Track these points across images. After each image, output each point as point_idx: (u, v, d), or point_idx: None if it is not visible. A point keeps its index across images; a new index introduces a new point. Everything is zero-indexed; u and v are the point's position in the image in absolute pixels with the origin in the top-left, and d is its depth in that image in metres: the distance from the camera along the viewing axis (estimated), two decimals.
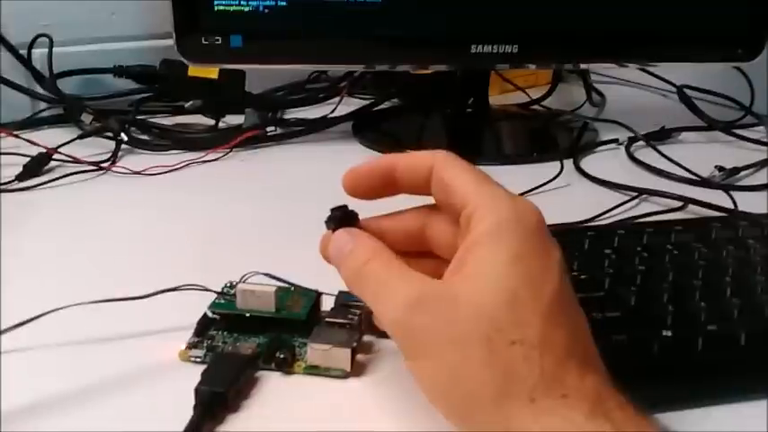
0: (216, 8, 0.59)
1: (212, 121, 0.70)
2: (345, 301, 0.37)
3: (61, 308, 0.34)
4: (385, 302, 0.29)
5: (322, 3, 0.60)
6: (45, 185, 0.56)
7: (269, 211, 0.53)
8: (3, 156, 0.59)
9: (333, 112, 0.72)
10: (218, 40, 0.59)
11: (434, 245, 0.32)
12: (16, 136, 0.59)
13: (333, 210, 0.33)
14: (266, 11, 0.59)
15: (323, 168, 0.62)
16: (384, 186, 0.32)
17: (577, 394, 0.25)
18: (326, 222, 0.33)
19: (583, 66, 0.75)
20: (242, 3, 0.59)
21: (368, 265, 0.30)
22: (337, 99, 0.74)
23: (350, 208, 0.33)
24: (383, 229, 0.32)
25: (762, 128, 0.74)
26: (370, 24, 0.62)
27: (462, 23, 0.63)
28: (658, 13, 0.65)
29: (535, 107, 0.80)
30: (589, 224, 0.51)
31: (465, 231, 0.29)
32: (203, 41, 0.59)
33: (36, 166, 0.57)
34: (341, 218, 0.32)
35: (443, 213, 0.32)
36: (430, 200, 0.32)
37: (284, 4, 0.59)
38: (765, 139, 0.70)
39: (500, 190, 0.30)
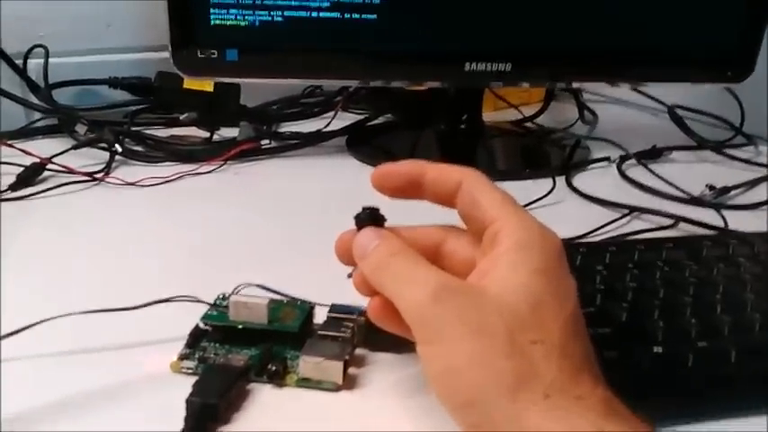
0: (212, 22, 0.59)
1: (207, 134, 0.70)
2: (338, 314, 0.37)
3: (53, 317, 0.34)
4: (410, 287, 0.29)
5: (318, 18, 0.60)
6: (39, 195, 0.56)
7: (262, 223, 0.53)
8: None
9: (327, 126, 0.73)
10: (213, 53, 0.60)
11: (450, 261, 0.33)
12: (10, 146, 0.59)
13: (364, 208, 0.33)
14: (262, 25, 0.60)
15: (317, 182, 0.63)
16: (410, 189, 0.33)
17: (592, 398, 0.26)
18: (356, 218, 0.33)
19: (575, 84, 0.76)
20: (238, 17, 0.59)
21: (394, 257, 0.31)
22: (332, 113, 0.75)
23: (380, 213, 0.33)
24: (406, 236, 0.33)
25: (751, 147, 0.75)
26: (366, 40, 0.62)
27: (456, 41, 0.64)
28: (650, 33, 0.66)
29: (528, 124, 0.80)
30: (581, 240, 0.51)
31: (489, 247, 0.30)
32: (199, 55, 0.59)
33: (30, 176, 0.57)
34: (370, 217, 0.33)
35: (463, 231, 0.33)
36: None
37: (280, 19, 0.60)
38: (755, 159, 0.70)
39: (527, 213, 0.31)
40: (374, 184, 0.34)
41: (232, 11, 0.59)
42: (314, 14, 0.60)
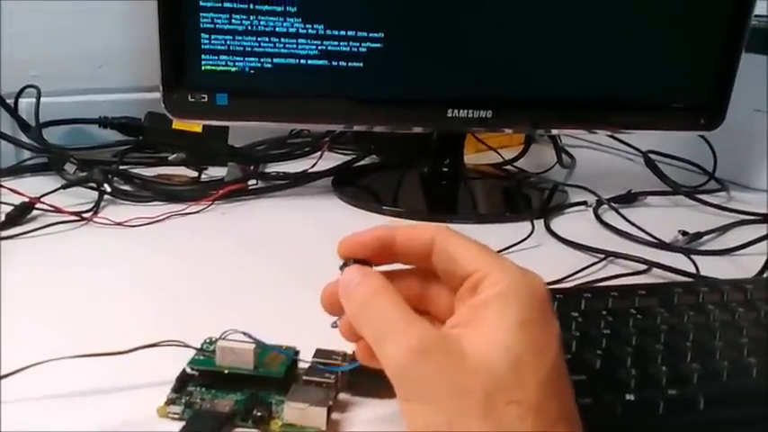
0: (203, 68, 0.61)
1: (194, 173, 0.71)
2: (323, 359, 0.38)
3: (41, 362, 0.35)
4: (389, 343, 0.29)
5: (306, 65, 0.62)
6: (27, 235, 0.56)
7: (249, 265, 0.54)
8: None
9: (313, 166, 0.75)
10: (203, 97, 0.61)
11: (434, 306, 0.34)
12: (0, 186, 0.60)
13: (347, 260, 0.34)
14: (252, 71, 0.62)
15: (303, 223, 0.64)
16: (381, 256, 0.34)
17: None
18: (342, 268, 0.33)
19: (554, 131, 0.78)
20: (229, 63, 0.61)
21: (375, 300, 0.31)
22: (318, 153, 0.77)
23: (367, 261, 0.34)
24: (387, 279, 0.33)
25: (724, 193, 0.77)
26: (352, 87, 0.64)
27: (440, 89, 0.66)
28: (627, 83, 0.69)
29: (508, 167, 0.83)
30: (558, 285, 0.52)
31: (469, 296, 0.30)
32: (189, 99, 0.61)
33: (19, 216, 0.58)
34: (354, 261, 0.33)
35: (443, 283, 0.33)
36: None
37: (270, 65, 0.62)
38: (727, 204, 0.73)
39: (508, 261, 0.31)
40: (341, 255, 0.34)
41: (223, 57, 0.61)
42: (302, 62, 0.62)
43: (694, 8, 0.69)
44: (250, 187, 0.69)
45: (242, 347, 0.37)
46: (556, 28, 0.66)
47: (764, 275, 0.56)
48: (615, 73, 0.69)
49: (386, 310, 0.30)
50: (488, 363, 0.28)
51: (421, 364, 0.28)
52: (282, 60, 0.62)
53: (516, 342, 0.28)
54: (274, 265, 0.54)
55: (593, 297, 0.46)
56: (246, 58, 0.61)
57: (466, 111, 0.67)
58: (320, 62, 0.62)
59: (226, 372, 0.37)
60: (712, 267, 0.57)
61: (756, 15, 0.71)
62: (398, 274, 0.35)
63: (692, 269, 0.56)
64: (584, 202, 0.70)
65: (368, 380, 0.34)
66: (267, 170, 0.76)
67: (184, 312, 0.46)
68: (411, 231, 0.33)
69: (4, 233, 0.56)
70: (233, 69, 0.61)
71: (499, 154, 0.83)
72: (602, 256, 0.58)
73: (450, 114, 0.67)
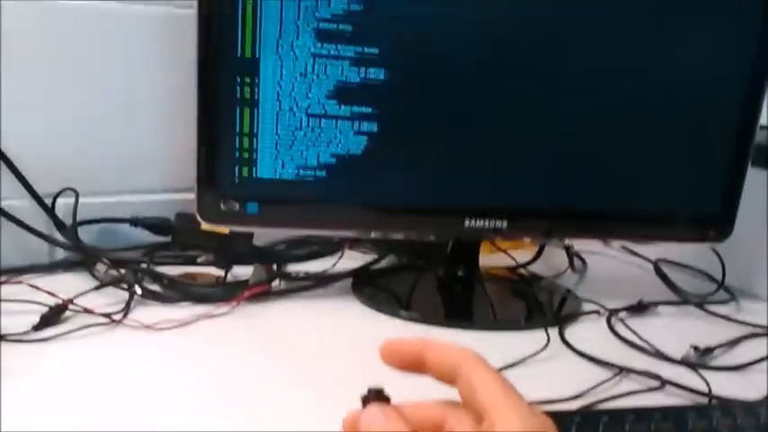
0: (236, 180, 0.64)
1: (220, 271, 0.74)
2: None
3: None
4: None
5: (343, 174, 0.66)
6: (60, 337, 0.58)
7: (273, 370, 0.56)
8: (17, 303, 0.62)
9: (334, 266, 0.77)
10: (235, 206, 0.65)
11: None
12: (36, 287, 0.62)
13: (369, 389, 0.35)
14: (283, 181, 0.65)
15: (323, 327, 0.66)
16: (414, 367, 0.35)
17: None
18: (362, 398, 0.35)
19: (567, 241, 0.81)
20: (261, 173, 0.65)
21: None
22: (339, 253, 0.79)
23: (385, 392, 0.35)
24: (408, 415, 0.34)
25: (733, 303, 0.79)
26: (375, 196, 0.68)
27: (459, 200, 0.70)
28: (638, 197, 0.73)
29: (521, 270, 0.85)
30: (574, 402, 0.54)
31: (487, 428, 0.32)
32: (221, 207, 0.65)
33: (52, 317, 0.60)
34: (375, 398, 0.34)
35: (467, 409, 0.34)
36: None
37: (309, 174, 0.66)
38: (736, 316, 0.75)
39: (523, 403, 0.32)
40: (383, 359, 0.36)
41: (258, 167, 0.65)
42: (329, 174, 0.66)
43: (702, 126, 0.72)
44: (273, 289, 0.72)
45: None
46: (570, 144, 0.70)
47: None
48: (627, 186, 0.72)
49: None
50: None
51: None
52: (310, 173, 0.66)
53: None
54: (296, 373, 0.56)
55: (610, 420, 0.47)
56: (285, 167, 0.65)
57: (482, 220, 0.70)
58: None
59: None
60: (724, 384, 0.58)
61: (763, 127, 0.75)
62: (416, 409, 0.35)
63: (704, 387, 0.58)
64: (597, 311, 0.72)
65: None
66: (289, 269, 0.78)
67: (208, 422, 0.47)
68: (441, 353, 0.35)
69: (39, 335, 0.58)
70: (266, 179, 0.65)
71: (513, 258, 0.86)
72: (617, 370, 0.60)
73: (467, 224, 0.70)
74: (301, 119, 0.64)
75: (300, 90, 0.63)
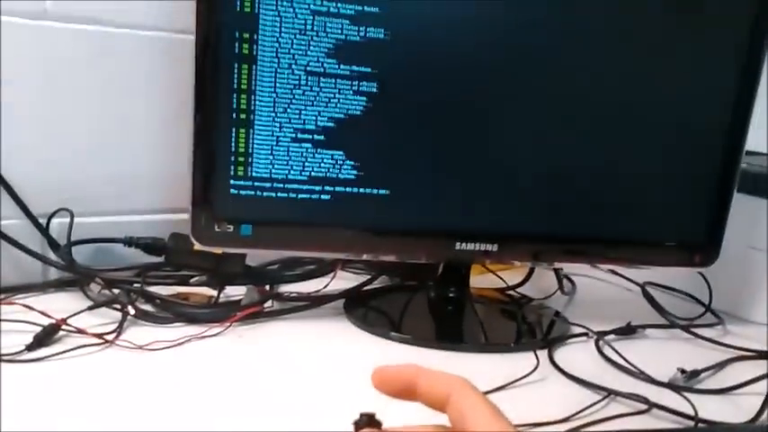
0: (231, 201, 0.65)
1: (212, 291, 0.74)
2: None
3: None
4: None
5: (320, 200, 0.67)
6: (52, 358, 0.59)
7: (265, 391, 0.57)
8: (10, 323, 0.62)
9: (326, 286, 0.78)
10: (229, 228, 0.66)
11: None
12: (29, 307, 0.63)
13: (361, 414, 0.35)
14: (278, 203, 0.66)
15: (314, 349, 0.67)
16: (405, 394, 0.36)
17: None
18: (354, 423, 0.35)
19: (556, 264, 0.82)
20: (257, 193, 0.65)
21: None
22: (331, 274, 0.80)
23: (376, 417, 0.36)
24: None
25: (720, 326, 0.80)
26: (367, 219, 0.69)
27: (450, 224, 0.71)
28: (626, 222, 0.74)
29: (511, 292, 0.86)
30: (563, 425, 0.55)
31: None
32: (216, 229, 0.65)
33: (45, 337, 0.60)
34: (367, 423, 0.35)
35: None
36: None
37: (295, 197, 0.66)
38: (722, 339, 0.76)
39: (511, 429, 0.33)
40: (374, 386, 0.36)
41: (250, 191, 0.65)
42: (322, 197, 0.67)
43: (688, 153, 0.74)
44: (266, 309, 0.72)
45: None
46: (559, 171, 0.71)
47: (762, 418, 0.58)
48: (614, 213, 0.74)
49: None
50: None
51: None
52: (305, 196, 0.66)
53: None
54: (289, 394, 0.57)
55: None
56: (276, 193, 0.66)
57: (473, 244, 0.71)
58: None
59: None
60: (710, 407, 0.59)
61: (749, 152, 0.77)
62: (415, 428, 0.36)
63: (690, 410, 0.59)
64: (586, 334, 0.73)
65: None
66: (282, 290, 0.79)
67: None
68: (432, 381, 0.35)
69: (32, 355, 0.58)
70: (260, 197, 0.66)
71: (502, 279, 0.87)
72: (605, 393, 0.60)
73: (458, 247, 0.71)
74: (300, 76, 0.64)
75: (299, 47, 0.63)
